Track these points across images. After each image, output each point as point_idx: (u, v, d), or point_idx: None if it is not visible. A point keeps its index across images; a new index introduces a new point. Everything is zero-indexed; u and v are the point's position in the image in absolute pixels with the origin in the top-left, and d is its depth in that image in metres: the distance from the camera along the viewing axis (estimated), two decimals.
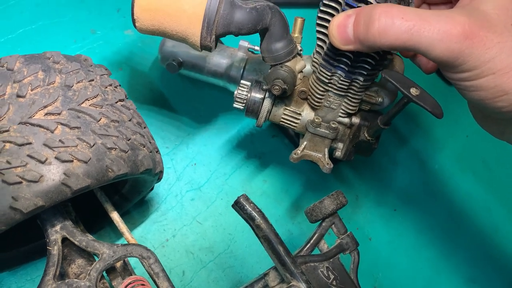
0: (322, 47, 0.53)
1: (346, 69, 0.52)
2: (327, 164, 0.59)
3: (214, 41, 0.50)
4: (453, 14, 0.41)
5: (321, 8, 0.50)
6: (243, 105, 0.59)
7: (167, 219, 0.69)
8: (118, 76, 0.75)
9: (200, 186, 0.72)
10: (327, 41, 0.51)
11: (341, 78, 0.53)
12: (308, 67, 0.57)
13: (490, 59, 0.41)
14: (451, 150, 0.84)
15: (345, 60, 0.51)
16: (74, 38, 0.75)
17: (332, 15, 0.49)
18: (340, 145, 0.61)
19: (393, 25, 0.42)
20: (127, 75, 0.75)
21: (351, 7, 0.47)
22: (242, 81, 0.59)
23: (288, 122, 0.60)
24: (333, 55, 0.52)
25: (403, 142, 0.83)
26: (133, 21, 0.50)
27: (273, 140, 0.77)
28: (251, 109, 0.59)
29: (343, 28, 0.46)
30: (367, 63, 0.51)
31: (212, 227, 0.70)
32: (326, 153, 0.60)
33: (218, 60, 0.68)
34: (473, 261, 0.78)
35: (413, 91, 0.47)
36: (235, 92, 0.59)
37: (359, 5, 0.47)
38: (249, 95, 0.58)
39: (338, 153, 0.61)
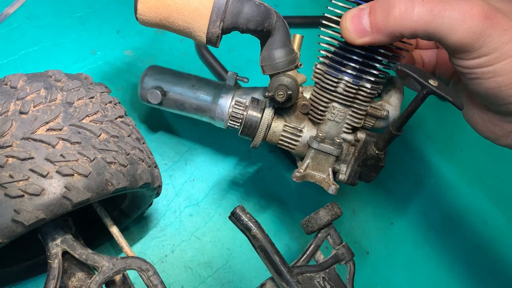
0: (326, 57, 0.54)
1: (354, 73, 0.52)
2: (333, 184, 0.55)
3: (221, 31, 0.49)
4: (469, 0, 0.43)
5: (329, 8, 0.51)
6: (239, 124, 0.57)
7: (166, 234, 0.70)
8: (117, 95, 0.76)
9: (198, 201, 0.73)
10: (336, 42, 0.52)
11: (348, 84, 0.53)
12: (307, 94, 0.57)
13: (508, 41, 0.42)
14: (446, 165, 0.85)
15: (352, 64, 0.52)
16: (74, 59, 0.77)
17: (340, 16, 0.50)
18: (344, 167, 0.58)
19: (414, 8, 0.43)
20: (127, 94, 0.77)
21: None
22: (237, 99, 0.57)
23: (288, 141, 0.58)
24: (341, 59, 0.52)
25: (398, 157, 0.85)
26: (136, 3, 0.47)
27: (271, 156, 0.78)
28: (248, 125, 0.56)
29: (358, 19, 0.46)
30: (377, 62, 0.51)
31: (210, 243, 0.71)
32: (330, 173, 0.56)
33: (204, 92, 0.64)
34: (471, 274, 0.78)
35: (432, 82, 0.44)
36: (229, 110, 0.57)
37: None
38: (245, 113, 0.56)
39: (341, 176, 0.58)
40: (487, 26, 0.41)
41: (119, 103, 0.58)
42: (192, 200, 0.73)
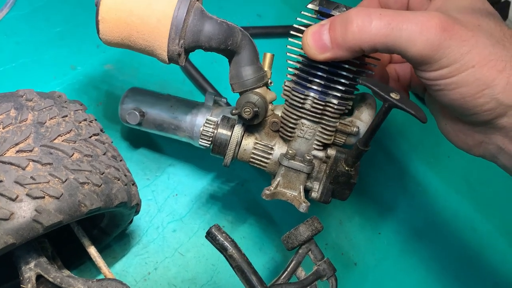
0: (293, 74, 0.54)
1: (319, 89, 0.52)
2: (304, 202, 0.54)
3: (182, 49, 0.49)
4: (427, 11, 0.43)
5: (294, 26, 0.51)
6: (209, 142, 0.57)
7: (148, 251, 0.69)
8: (98, 110, 0.75)
9: (181, 217, 0.72)
10: (301, 59, 0.52)
11: (315, 101, 0.53)
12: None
13: (468, 51, 0.42)
14: (433, 172, 0.85)
15: (317, 81, 0.52)
16: (54, 75, 0.76)
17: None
18: (316, 184, 0.57)
19: (372, 22, 0.43)
20: (107, 109, 0.76)
21: (326, 14, 0.49)
22: (208, 117, 0.57)
23: (259, 159, 0.57)
24: (306, 76, 0.52)
25: (384, 166, 0.84)
26: (97, 24, 0.49)
27: (255, 168, 0.77)
28: (218, 143, 0.56)
29: (318, 35, 0.46)
30: (343, 77, 0.51)
31: (194, 258, 0.70)
32: (301, 190, 0.56)
33: (182, 112, 0.64)
34: (460, 280, 0.77)
35: (394, 95, 0.44)
36: (201, 129, 0.57)
37: (332, 13, 0.48)
38: (215, 131, 0.56)
39: (314, 194, 0.57)
40: (445, 37, 0.41)
41: (95, 120, 0.57)
42: (175, 216, 0.72)
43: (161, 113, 0.65)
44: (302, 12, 0.51)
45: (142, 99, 0.66)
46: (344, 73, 0.51)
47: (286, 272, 0.50)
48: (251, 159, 0.57)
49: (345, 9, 0.48)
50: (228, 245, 0.44)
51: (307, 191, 0.57)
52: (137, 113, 0.63)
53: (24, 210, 0.42)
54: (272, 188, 0.55)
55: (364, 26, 0.43)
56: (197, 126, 0.63)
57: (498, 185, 0.85)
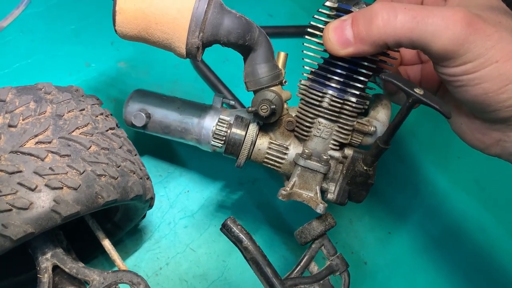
0: (310, 72, 0.54)
1: (338, 87, 0.51)
2: (321, 202, 0.52)
3: (201, 42, 0.48)
4: (451, 6, 0.43)
5: (311, 24, 0.51)
6: (223, 142, 0.55)
7: (160, 247, 0.69)
8: (112, 107, 0.76)
9: (193, 213, 0.72)
10: (320, 57, 0.52)
11: (333, 98, 0.52)
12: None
13: (492, 46, 0.42)
14: (443, 172, 0.85)
15: (336, 78, 0.51)
16: (69, 71, 0.77)
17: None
18: (332, 186, 0.55)
19: (397, 16, 0.42)
20: (121, 105, 0.76)
21: (345, 10, 0.48)
22: (221, 116, 0.56)
23: (274, 159, 0.55)
24: (325, 72, 0.51)
25: (395, 166, 0.84)
26: (114, 15, 0.47)
27: (267, 168, 0.78)
28: (232, 143, 0.54)
29: (340, 30, 0.46)
30: (362, 74, 0.51)
31: (205, 254, 0.70)
32: (318, 191, 0.54)
33: (189, 114, 0.62)
34: (471, 281, 0.77)
35: (418, 90, 0.43)
36: (213, 129, 0.55)
37: (352, 9, 0.48)
38: (229, 131, 0.55)
39: (330, 196, 0.55)
40: (470, 32, 0.41)
41: (111, 114, 0.57)
42: (187, 212, 0.72)
43: (168, 115, 0.63)
44: (319, 10, 0.51)
45: (148, 101, 0.63)
46: (364, 71, 0.50)
47: (299, 266, 0.50)
48: (265, 159, 0.56)
49: (364, 6, 0.48)
50: (243, 237, 0.44)
51: (322, 192, 0.56)
52: (143, 114, 0.61)
53: (43, 200, 0.43)
54: (288, 189, 0.53)
55: (389, 20, 0.42)
56: (205, 129, 0.61)
57: (508, 186, 0.85)
